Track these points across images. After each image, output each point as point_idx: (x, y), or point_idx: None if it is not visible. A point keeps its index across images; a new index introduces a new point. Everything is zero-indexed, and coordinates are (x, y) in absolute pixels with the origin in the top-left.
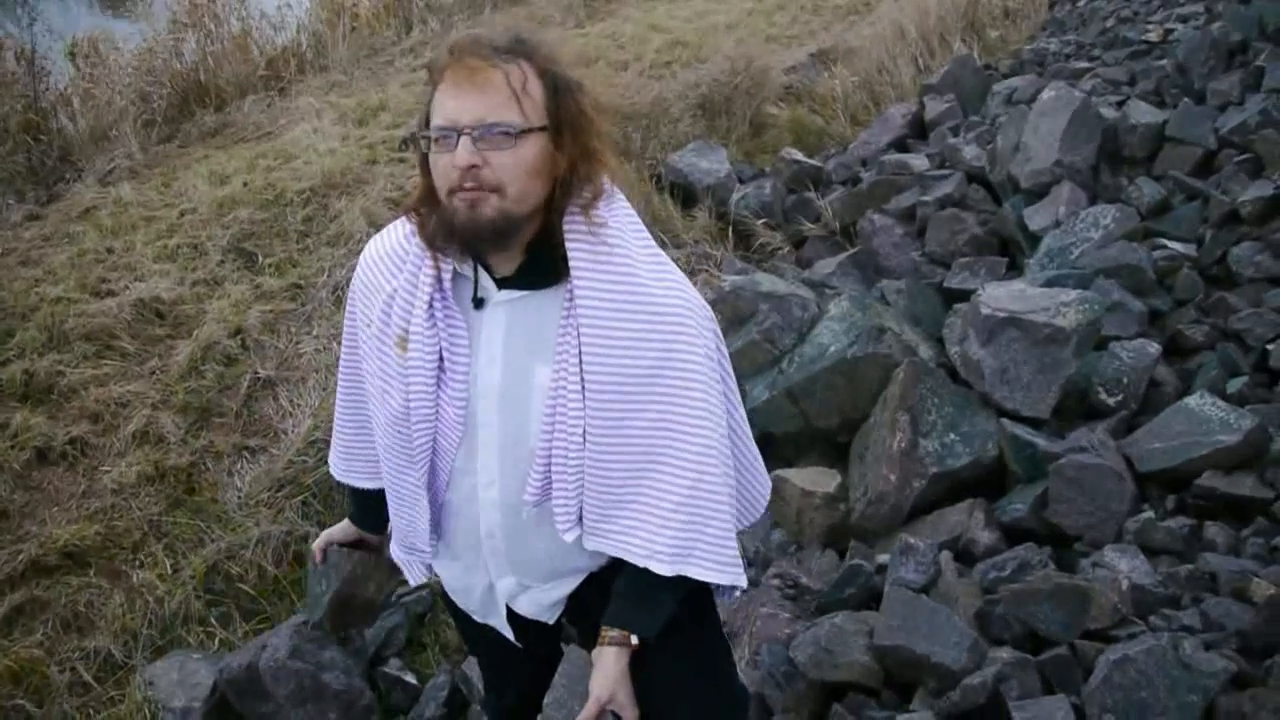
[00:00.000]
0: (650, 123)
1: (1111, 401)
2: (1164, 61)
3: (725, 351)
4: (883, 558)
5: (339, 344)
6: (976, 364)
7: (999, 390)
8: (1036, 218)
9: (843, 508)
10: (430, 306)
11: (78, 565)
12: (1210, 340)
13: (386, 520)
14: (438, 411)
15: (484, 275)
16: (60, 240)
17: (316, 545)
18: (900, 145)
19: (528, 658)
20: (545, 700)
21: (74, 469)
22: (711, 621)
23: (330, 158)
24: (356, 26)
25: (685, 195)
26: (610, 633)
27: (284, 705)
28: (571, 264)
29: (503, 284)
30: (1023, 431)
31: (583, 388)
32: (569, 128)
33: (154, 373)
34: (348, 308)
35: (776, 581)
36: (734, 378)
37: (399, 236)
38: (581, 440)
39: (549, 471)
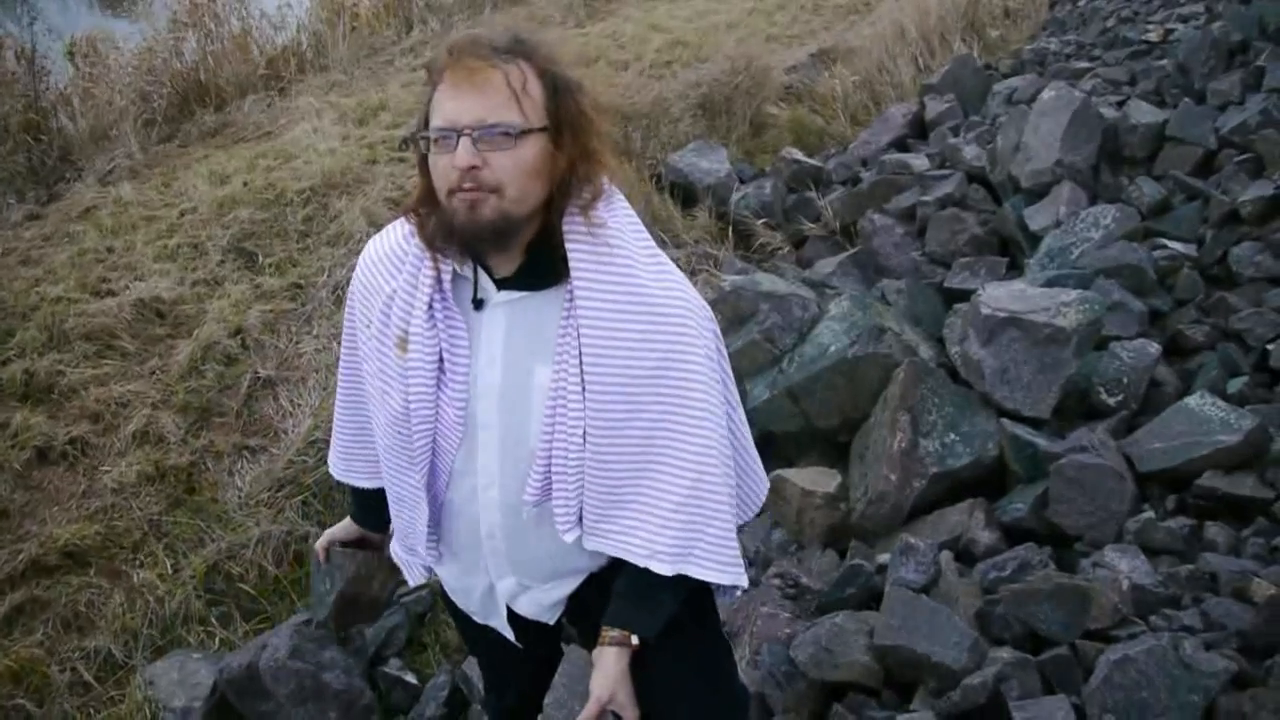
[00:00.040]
0: (650, 122)
1: (1112, 401)
2: (1164, 61)
3: (724, 352)
4: (883, 558)
5: (339, 344)
6: (977, 364)
7: (999, 390)
8: (1037, 218)
9: (843, 507)
10: (430, 307)
11: (78, 565)
12: (1211, 340)
13: (388, 519)
14: (438, 412)
15: (483, 276)
16: (60, 240)
17: (319, 545)
18: (900, 145)
19: (528, 658)
20: (545, 700)
21: (74, 469)
22: (712, 621)
23: (330, 157)
24: (356, 26)
25: (685, 195)
26: (610, 633)
27: (284, 705)
28: (571, 265)
29: (502, 285)
30: (1023, 431)
31: (583, 388)
32: (569, 128)
33: (154, 372)
34: (347, 308)
35: (777, 581)
36: (733, 378)
37: (398, 237)
38: (582, 441)
39: (549, 472)
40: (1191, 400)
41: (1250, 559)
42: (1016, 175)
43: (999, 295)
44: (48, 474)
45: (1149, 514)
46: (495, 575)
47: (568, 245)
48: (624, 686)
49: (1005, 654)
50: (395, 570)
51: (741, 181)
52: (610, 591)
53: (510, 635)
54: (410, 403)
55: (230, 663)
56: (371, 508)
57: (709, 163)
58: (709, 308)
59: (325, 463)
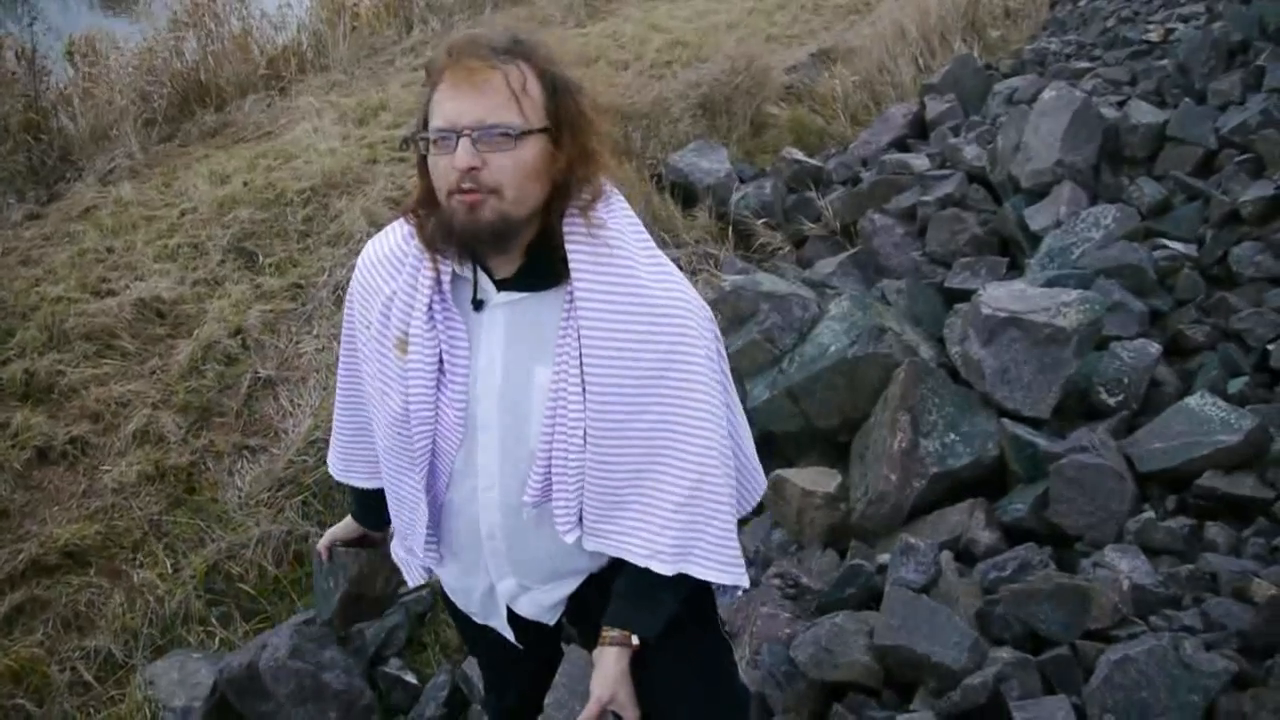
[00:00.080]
0: (650, 122)
1: (1112, 401)
2: (1165, 61)
3: (724, 353)
4: (883, 557)
5: (339, 344)
6: (977, 364)
7: (1000, 390)
8: (1037, 218)
9: (843, 507)
10: (430, 308)
11: (78, 565)
12: (1211, 340)
13: (389, 518)
14: (437, 413)
15: (483, 277)
16: (60, 239)
17: (321, 545)
18: (901, 145)
19: (528, 658)
20: (546, 700)
21: (74, 468)
22: (712, 622)
23: (330, 157)
24: (357, 26)
25: (686, 195)
26: (611, 633)
27: (284, 705)
28: (571, 266)
29: (502, 286)
30: (1023, 431)
31: (583, 389)
32: (568, 129)
33: (154, 372)
34: (346, 309)
35: (777, 581)
36: (732, 379)
37: (398, 238)
38: (582, 441)
39: (549, 473)
40: (1192, 400)
41: (1250, 559)
42: (1017, 175)
43: (999, 295)
44: (48, 474)
45: (1149, 514)
46: (495, 576)
47: (567, 246)
48: (624, 687)
49: (1005, 654)
50: (398, 568)
51: (742, 181)
52: (610, 592)
53: (510, 636)
54: (410, 404)
55: (230, 662)
56: (372, 507)
57: (709, 163)
58: (709, 308)
59: (325, 463)
